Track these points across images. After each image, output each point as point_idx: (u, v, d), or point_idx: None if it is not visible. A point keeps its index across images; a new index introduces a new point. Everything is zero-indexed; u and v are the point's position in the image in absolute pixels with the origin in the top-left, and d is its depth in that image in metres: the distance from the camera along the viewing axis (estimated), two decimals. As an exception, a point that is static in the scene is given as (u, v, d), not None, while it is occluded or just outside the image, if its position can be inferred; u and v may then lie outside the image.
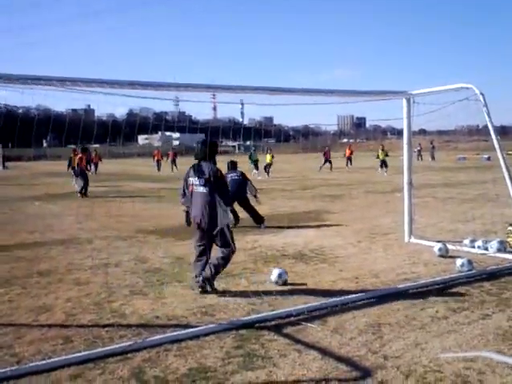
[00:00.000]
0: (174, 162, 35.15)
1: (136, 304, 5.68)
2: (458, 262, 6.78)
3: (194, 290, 6.08)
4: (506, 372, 3.81)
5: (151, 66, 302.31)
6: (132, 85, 6.14)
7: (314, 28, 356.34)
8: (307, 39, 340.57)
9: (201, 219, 5.99)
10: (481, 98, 7.55)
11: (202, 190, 6.05)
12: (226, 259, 6.05)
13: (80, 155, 19.28)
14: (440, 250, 7.70)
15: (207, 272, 6.00)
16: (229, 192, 6.34)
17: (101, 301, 5.82)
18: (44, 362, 4.12)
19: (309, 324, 4.92)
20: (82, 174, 19.03)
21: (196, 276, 6.13)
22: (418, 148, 43.19)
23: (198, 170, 6.13)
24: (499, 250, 7.66)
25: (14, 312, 5.48)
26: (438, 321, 4.96)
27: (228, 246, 6.01)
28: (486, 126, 7.89)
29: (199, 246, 6.17)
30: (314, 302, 5.48)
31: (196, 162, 6.23)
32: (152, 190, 21.08)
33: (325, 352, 4.26)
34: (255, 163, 28.60)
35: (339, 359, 4.11)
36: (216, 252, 6.08)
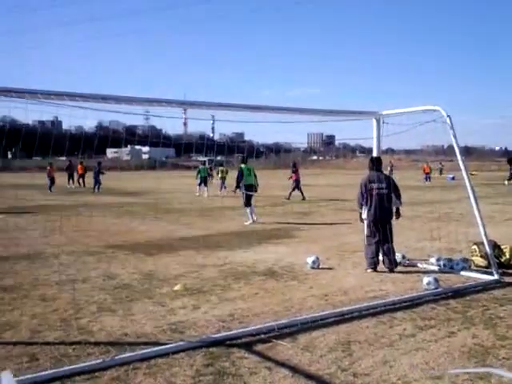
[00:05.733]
0: (82, 176, 32.06)
1: (104, 321, 5.59)
2: (425, 280, 6.92)
3: (164, 307, 6.05)
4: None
5: (123, 77, 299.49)
6: (105, 99, 6.12)
7: (286, 45, 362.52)
8: (279, 56, 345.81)
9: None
10: (447, 120, 7.79)
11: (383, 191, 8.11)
12: None
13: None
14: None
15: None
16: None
17: (68, 317, 5.71)
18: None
19: (279, 341, 4.93)
20: None
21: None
22: (390, 165, 45.60)
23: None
24: (464, 269, 7.86)
25: (-24, 329, 5.32)
26: (406, 338, 5.04)
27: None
28: (450, 147, 8.14)
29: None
30: (284, 319, 5.50)
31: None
32: (122, 203, 20.83)
33: (295, 370, 4.27)
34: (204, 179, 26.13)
35: (309, 377, 4.14)
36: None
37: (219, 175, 28.45)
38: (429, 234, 11.55)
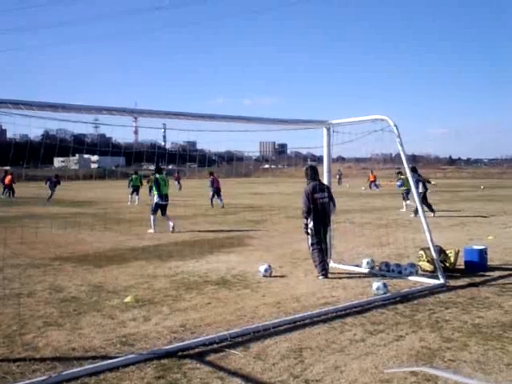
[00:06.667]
0: (8, 187, 31.69)
1: (50, 336, 5.40)
2: (374, 285, 7.08)
3: (114, 320, 5.92)
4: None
5: (72, 85, 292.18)
6: (53, 107, 5.94)
7: (240, 54, 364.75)
8: (232, 65, 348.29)
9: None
10: (394, 129, 8.03)
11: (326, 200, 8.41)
12: None
13: None
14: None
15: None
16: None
17: (11, 333, 5.48)
18: None
19: (231, 351, 4.91)
20: None
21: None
22: (339, 174, 47.06)
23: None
24: (411, 274, 8.09)
25: None
26: (356, 343, 5.13)
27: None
28: (398, 155, 8.41)
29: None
30: (236, 328, 5.48)
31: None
32: (70, 214, 20.24)
33: (247, 378, 4.26)
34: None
35: (262, 385, 4.13)
36: None
37: (148, 184, 27.17)
38: (378, 240, 11.84)
